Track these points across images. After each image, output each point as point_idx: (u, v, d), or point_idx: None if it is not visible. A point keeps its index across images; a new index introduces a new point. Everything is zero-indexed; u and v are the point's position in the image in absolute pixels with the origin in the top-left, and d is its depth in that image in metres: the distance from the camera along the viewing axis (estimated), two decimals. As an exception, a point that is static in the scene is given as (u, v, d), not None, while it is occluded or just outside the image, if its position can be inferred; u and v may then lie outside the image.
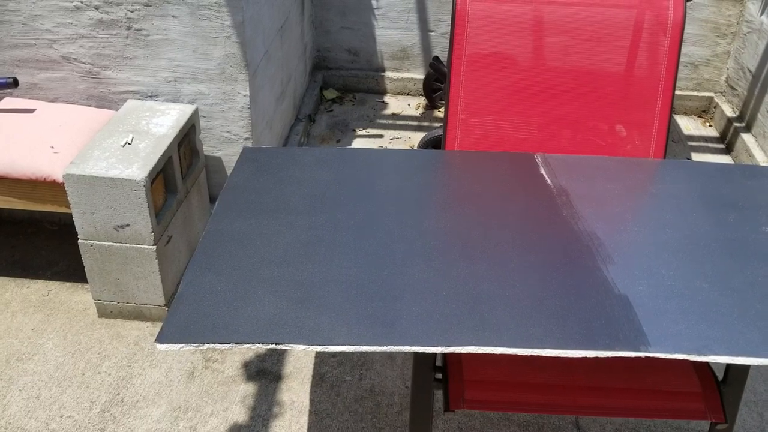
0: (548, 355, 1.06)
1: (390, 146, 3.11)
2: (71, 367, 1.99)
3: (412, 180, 1.53)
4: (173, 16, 2.12)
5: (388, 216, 1.39)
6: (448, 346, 1.06)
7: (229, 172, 2.42)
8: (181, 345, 1.05)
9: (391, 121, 3.31)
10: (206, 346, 1.06)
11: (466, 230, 1.35)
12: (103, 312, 2.15)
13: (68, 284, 2.30)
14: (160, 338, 1.06)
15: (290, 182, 1.50)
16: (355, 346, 1.05)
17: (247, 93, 2.25)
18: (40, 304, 2.22)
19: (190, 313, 1.11)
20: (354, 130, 3.22)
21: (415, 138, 3.15)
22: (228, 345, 1.06)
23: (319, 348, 1.06)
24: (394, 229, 1.34)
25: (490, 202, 1.45)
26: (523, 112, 2.16)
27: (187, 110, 2.19)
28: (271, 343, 1.06)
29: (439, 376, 1.40)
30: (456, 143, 1.99)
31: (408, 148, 3.09)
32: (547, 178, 1.54)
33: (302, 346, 1.06)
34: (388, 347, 1.06)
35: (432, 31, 3.36)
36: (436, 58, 3.20)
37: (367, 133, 3.20)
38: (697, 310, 1.15)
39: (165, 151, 2.01)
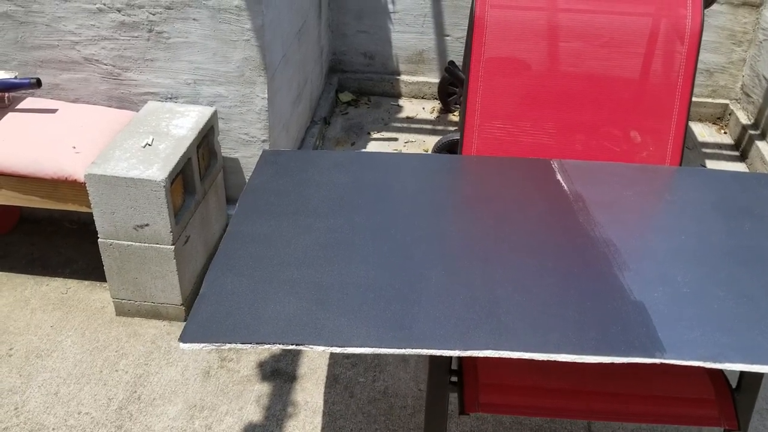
0: (565, 360, 1.07)
1: (404, 149, 3.13)
2: (89, 365, 2.02)
3: (429, 184, 1.55)
4: (194, 19, 2.15)
5: (405, 219, 1.40)
6: (465, 349, 1.08)
7: (246, 173, 2.45)
8: (203, 344, 1.08)
9: (405, 125, 3.33)
10: (228, 345, 1.08)
11: (483, 235, 1.36)
12: (121, 310, 2.19)
13: (86, 282, 2.33)
14: (183, 337, 1.08)
15: (309, 185, 1.52)
16: (374, 348, 1.07)
17: (266, 96, 2.27)
18: (59, 301, 2.25)
19: (211, 313, 1.14)
20: (369, 133, 3.24)
21: (430, 141, 3.17)
22: (249, 345, 1.08)
23: (338, 349, 1.07)
24: (411, 232, 1.36)
25: (506, 207, 1.46)
26: (539, 117, 2.17)
27: (206, 112, 2.22)
28: (291, 344, 1.07)
29: (455, 379, 1.42)
30: (473, 148, 2.01)
31: (422, 151, 3.11)
32: (563, 184, 1.55)
33: (321, 347, 1.07)
34: (406, 350, 1.07)
35: (447, 36, 3.38)
36: (452, 63, 3.22)
37: (381, 136, 3.22)
38: (712, 318, 1.16)
39: (185, 152, 2.04)
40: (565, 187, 1.53)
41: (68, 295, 2.28)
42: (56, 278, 2.35)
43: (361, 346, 1.07)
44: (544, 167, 1.62)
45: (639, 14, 2.05)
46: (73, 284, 2.32)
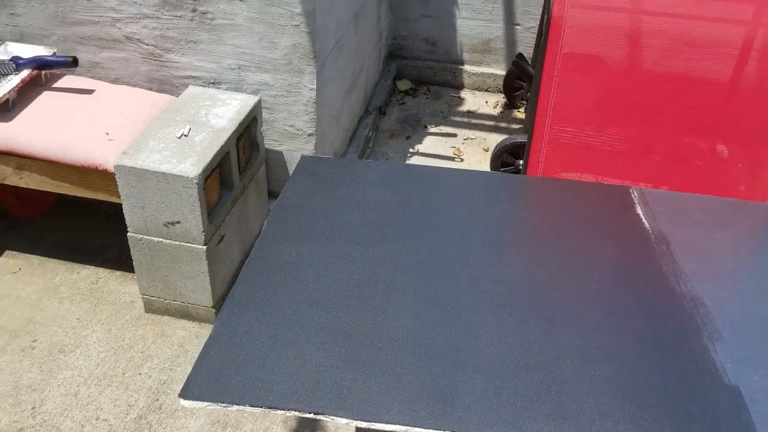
0: (639, 460, 0.87)
1: (463, 147, 2.92)
2: (112, 365, 1.91)
3: (486, 210, 1.35)
4: (240, 0, 1.98)
5: (457, 254, 1.21)
6: (518, 436, 0.89)
7: (290, 167, 2.29)
8: (207, 403, 0.92)
9: (466, 119, 3.11)
10: (235, 407, 0.91)
11: (546, 281, 1.16)
12: (150, 307, 2.07)
13: (118, 273, 2.22)
14: (185, 392, 0.93)
15: (349, 203, 1.34)
16: (407, 427, 0.89)
17: (314, 86, 2.09)
18: (88, 292, 2.15)
19: (221, 362, 0.97)
20: (426, 127, 3.04)
21: (491, 139, 2.94)
22: (260, 408, 0.91)
23: (364, 424, 0.90)
24: (461, 271, 1.17)
25: (575, 246, 1.25)
26: (616, 122, 1.95)
27: (249, 101, 2.06)
28: (310, 413, 0.91)
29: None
30: (542, 155, 1.80)
31: (482, 150, 2.89)
32: (644, 219, 1.33)
33: (345, 420, 0.90)
34: None
35: (518, 25, 3.13)
36: (520, 56, 2.97)
37: (439, 131, 3.01)
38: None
39: (222, 145, 1.89)
40: (646, 224, 1.31)
41: (98, 286, 2.17)
42: (88, 266, 2.24)
43: (391, 423, 0.90)
44: (621, 196, 1.40)
45: (733, 17, 1.80)
46: (104, 274, 2.22)
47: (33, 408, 1.79)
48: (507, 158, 2.53)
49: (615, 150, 2.03)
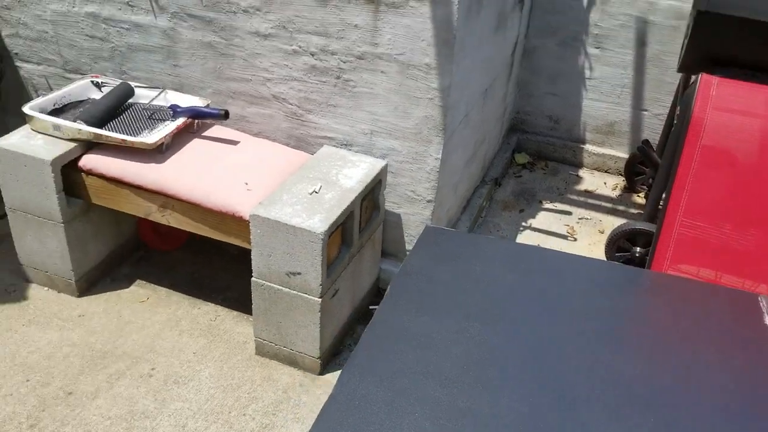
0: None
1: (577, 226, 2.90)
2: (220, 402, 2.01)
3: (606, 302, 1.35)
4: (382, 72, 2.11)
5: (573, 344, 1.22)
6: None
7: (406, 229, 2.36)
8: (324, 461, 0.97)
9: (582, 198, 3.10)
10: (350, 469, 0.96)
11: (666, 384, 1.15)
12: (261, 350, 2.17)
13: (235, 313, 2.35)
14: (305, 447, 0.98)
15: (469, 278, 1.38)
16: None
17: (439, 156, 2.18)
18: (206, 328, 2.28)
19: (339, 422, 1.03)
20: (540, 202, 3.05)
21: (606, 222, 2.91)
22: (373, 474, 0.96)
23: (472, 505, 0.92)
24: (577, 362, 1.18)
25: (698, 352, 1.23)
26: (745, 222, 1.90)
27: (377, 165, 2.17)
28: (420, 485, 0.94)
29: None
30: (670, 247, 1.78)
31: (597, 232, 2.86)
32: (772, 331, 1.29)
33: (454, 498, 0.93)
34: None
35: (645, 110, 3.11)
36: (646, 142, 2.95)
37: (554, 207, 3.02)
38: None
39: (348, 205, 1.99)
40: (775, 338, 1.27)
41: (216, 323, 2.31)
42: (209, 303, 2.39)
43: (499, 507, 0.91)
44: (748, 304, 1.37)
45: None
46: (222, 312, 2.35)
47: (146, 432, 1.91)
48: (624, 244, 2.49)
49: (739, 248, 1.97)
